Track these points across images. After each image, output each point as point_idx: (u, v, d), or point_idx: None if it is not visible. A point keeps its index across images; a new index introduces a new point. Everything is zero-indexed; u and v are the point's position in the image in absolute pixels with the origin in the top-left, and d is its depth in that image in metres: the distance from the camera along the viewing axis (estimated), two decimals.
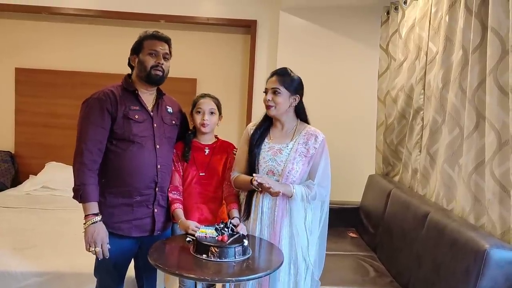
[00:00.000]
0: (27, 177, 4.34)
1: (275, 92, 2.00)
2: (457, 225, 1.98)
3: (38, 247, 2.69)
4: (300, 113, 2.10)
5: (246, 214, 2.06)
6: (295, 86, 2.03)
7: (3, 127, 4.45)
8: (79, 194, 1.86)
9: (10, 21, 4.36)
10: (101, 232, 1.87)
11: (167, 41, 2.03)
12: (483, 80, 1.99)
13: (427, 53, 2.68)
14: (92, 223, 1.86)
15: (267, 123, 2.12)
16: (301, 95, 2.07)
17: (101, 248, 1.87)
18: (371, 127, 3.64)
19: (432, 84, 2.56)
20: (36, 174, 4.29)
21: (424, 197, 2.60)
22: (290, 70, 2.07)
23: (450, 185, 2.31)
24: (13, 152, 4.45)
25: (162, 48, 2.00)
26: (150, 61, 1.97)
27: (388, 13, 3.42)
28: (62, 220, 3.25)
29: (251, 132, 2.11)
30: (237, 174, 2.09)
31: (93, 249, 1.86)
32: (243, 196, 2.11)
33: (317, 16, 3.90)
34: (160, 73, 1.98)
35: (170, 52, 2.06)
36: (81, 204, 1.89)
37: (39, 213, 3.43)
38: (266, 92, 2.05)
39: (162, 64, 1.98)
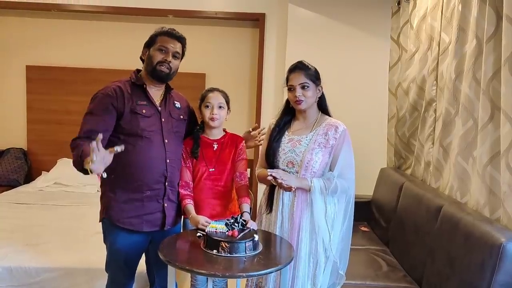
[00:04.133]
0: (40, 174, 4.39)
1: (304, 87, 2.00)
2: (472, 219, 1.95)
3: (51, 243, 2.71)
4: (323, 104, 2.10)
5: (269, 208, 2.07)
6: (316, 77, 2.04)
7: (16, 125, 4.50)
8: (79, 155, 1.72)
9: (20, 18, 4.39)
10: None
11: (180, 40, 2.01)
12: (498, 70, 1.94)
13: (439, 44, 2.62)
14: None
15: (289, 117, 2.12)
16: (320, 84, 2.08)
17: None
18: (382, 120, 3.60)
19: (445, 75, 2.52)
20: (48, 171, 4.33)
21: (437, 190, 2.56)
22: (306, 62, 2.06)
23: (464, 177, 2.27)
24: (25, 149, 4.50)
25: (173, 46, 1.98)
26: (158, 57, 1.96)
27: (399, 3, 3.36)
28: (74, 215, 3.28)
29: (272, 127, 2.13)
30: (260, 169, 2.12)
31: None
32: (267, 189, 2.12)
33: (326, 7, 3.85)
34: (165, 70, 1.96)
35: (183, 52, 2.04)
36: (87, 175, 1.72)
37: (52, 209, 3.47)
38: (291, 88, 2.03)
39: (170, 61, 1.96)
